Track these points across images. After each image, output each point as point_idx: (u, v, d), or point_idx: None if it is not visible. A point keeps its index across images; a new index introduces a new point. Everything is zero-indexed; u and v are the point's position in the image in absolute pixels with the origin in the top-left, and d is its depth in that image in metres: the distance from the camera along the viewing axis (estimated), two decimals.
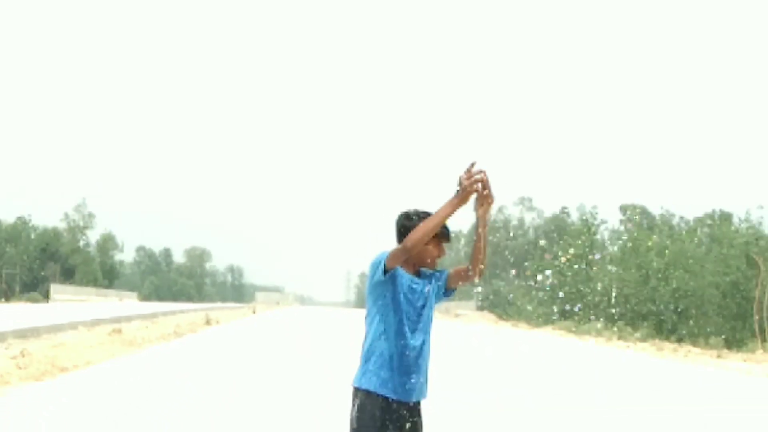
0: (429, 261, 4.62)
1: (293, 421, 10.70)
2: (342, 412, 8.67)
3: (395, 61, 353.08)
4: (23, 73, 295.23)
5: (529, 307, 69.60)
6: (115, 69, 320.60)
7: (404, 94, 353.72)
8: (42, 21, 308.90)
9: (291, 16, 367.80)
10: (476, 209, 4.52)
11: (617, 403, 15.04)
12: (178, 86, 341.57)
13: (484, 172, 4.29)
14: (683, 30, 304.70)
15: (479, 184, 4.29)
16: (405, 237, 4.49)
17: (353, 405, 4.64)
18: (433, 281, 4.68)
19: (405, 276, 4.59)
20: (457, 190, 4.31)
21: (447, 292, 4.73)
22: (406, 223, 4.58)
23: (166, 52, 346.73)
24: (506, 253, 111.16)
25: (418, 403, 4.73)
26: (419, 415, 4.73)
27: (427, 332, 4.66)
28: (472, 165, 4.31)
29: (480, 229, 4.58)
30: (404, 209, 4.75)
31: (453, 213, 4.39)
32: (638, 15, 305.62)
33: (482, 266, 4.50)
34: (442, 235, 4.62)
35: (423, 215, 4.59)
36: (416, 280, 4.63)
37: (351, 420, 4.61)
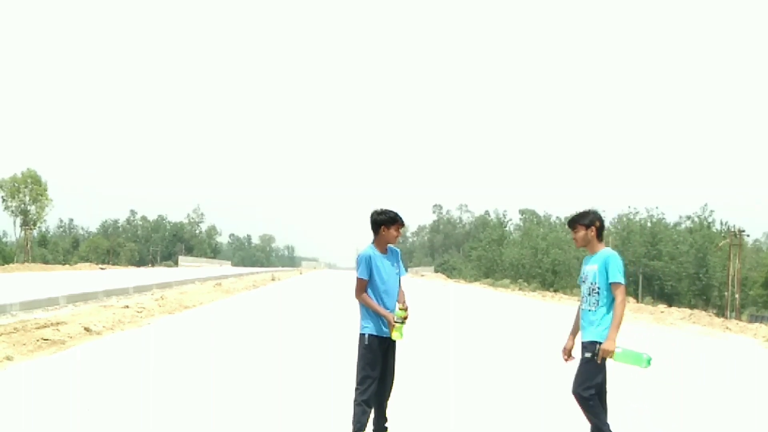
0: (394, 240, 5.50)
1: (328, 309, 18.03)
2: (341, 309, 16.69)
3: (393, 58, 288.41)
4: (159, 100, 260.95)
5: (465, 270, 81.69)
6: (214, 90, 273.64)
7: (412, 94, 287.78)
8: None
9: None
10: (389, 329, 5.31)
11: (516, 319, 18.93)
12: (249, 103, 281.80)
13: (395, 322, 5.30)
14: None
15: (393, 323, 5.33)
16: (376, 227, 5.39)
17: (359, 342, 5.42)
18: (396, 263, 5.53)
19: (378, 262, 5.42)
20: (395, 317, 5.36)
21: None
22: (376, 218, 5.41)
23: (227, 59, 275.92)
24: (452, 238, 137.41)
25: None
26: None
27: (395, 290, 5.47)
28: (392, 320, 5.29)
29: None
30: (376, 208, 5.56)
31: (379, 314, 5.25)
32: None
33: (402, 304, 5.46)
34: (401, 222, 5.47)
35: (388, 212, 5.44)
36: (386, 260, 5.44)
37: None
